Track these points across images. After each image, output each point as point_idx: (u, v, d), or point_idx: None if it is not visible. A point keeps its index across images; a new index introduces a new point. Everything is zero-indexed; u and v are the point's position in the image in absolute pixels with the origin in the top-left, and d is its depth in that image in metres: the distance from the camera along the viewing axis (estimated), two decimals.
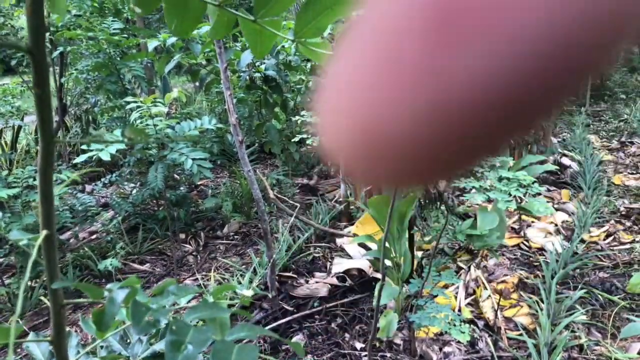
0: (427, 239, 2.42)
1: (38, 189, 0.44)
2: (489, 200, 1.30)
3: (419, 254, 2.77)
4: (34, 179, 2.77)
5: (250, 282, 2.84)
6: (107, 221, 3.45)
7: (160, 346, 1.20)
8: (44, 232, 0.41)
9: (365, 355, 2.27)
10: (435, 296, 2.48)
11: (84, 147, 2.54)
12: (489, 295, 2.68)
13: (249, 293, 2.06)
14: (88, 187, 4.24)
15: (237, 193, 4.19)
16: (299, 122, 3.42)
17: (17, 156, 4.02)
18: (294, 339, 2.45)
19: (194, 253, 3.49)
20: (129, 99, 2.74)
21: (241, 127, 4.11)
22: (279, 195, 3.71)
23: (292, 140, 4.41)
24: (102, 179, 3.59)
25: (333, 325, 2.54)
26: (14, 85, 5.22)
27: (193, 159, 2.74)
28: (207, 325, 0.53)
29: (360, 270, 2.98)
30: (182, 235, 3.70)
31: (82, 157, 2.40)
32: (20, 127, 4.14)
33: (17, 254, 2.69)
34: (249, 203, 4.05)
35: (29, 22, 0.35)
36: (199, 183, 4.95)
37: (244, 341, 2.35)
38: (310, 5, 0.42)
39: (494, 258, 3.09)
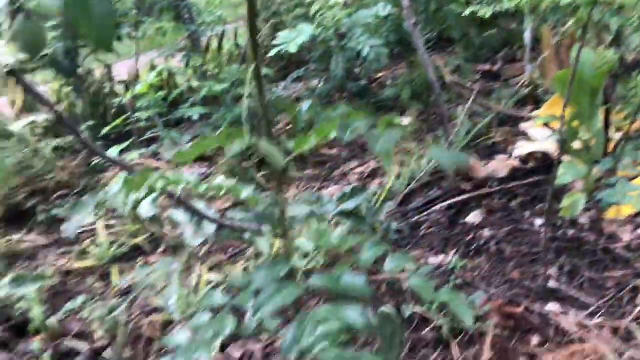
0: (623, 114, 2.19)
1: (251, 83, 0.60)
2: None
3: (615, 135, 2.52)
4: (239, 72, 3.21)
5: (428, 164, 2.97)
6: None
7: (347, 205, 1.42)
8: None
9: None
10: (632, 178, 2.28)
11: (273, 42, 2.84)
12: None
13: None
14: (281, 84, 4.71)
15: (415, 82, 4.22)
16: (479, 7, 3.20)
17: (225, 57, 4.65)
18: (470, 215, 2.55)
19: None
20: None
21: (417, 14, 4.01)
22: (457, 81, 3.64)
23: (473, 23, 4.17)
24: (291, 75, 3.96)
25: (512, 203, 2.56)
26: None
27: (370, 46, 2.85)
28: None
29: (544, 153, 2.85)
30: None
31: (274, 51, 2.70)
32: (223, 33, 4.72)
33: None
34: (426, 91, 4.06)
35: None
36: (377, 76, 5.09)
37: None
38: None
39: None
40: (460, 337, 1.80)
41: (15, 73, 0.86)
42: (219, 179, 0.87)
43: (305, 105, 0.68)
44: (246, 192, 0.85)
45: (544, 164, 2.81)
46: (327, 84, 3.96)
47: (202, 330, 0.69)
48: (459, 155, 0.57)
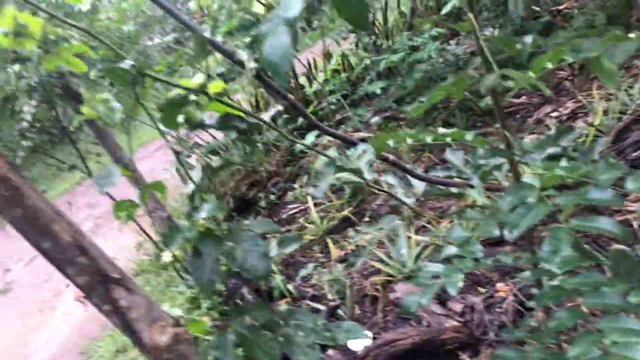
0: None
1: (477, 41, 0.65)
2: None
3: None
4: (410, 40, 3.24)
5: None
6: (479, 64, 3.71)
7: (554, 148, 1.36)
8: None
9: None
10: None
11: None
12: None
13: None
14: (452, 41, 4.58)
15: (609, 3, 3.70)
16: None
17: (391, 29, 4.72)
18: None
19: (569, 78, 3.39)
20: None
21: None
22: None
23: None
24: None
25: None
26: None
27: None
28: None
29: None
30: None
31: (447, 7, 2.66)
32: (386, 5, 4.78)
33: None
34: (627, 9, 3.54)
35: None
36: (561, 7, 4.59)
37: None
38: None
39: None
40: None
41: (260, 75, 1.06)
42: (441, 129, 0.95)
43: (528, 39, 0.71)
44: (470, 135, 0.91)
45: None
46: (504, 30, 3.72)
47: (450, 264, 0.78)
48: None
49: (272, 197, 3.80)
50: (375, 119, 4.22)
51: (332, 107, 3.77)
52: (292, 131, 4.02)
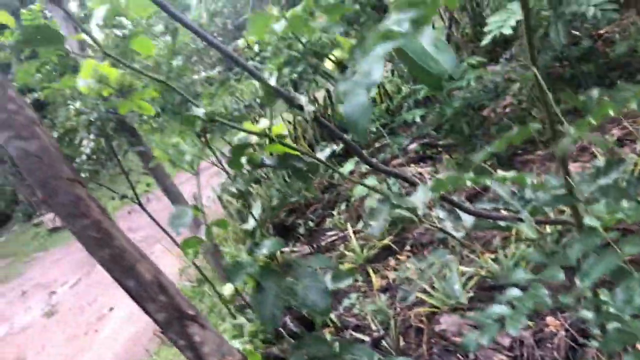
0: None
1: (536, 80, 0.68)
2: None
3: None
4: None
5: None
6: (517, 91, 3.70)
7: (605, 180, 1.35)
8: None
9: None
10: None
11: (485, 29, 2.82)
12: None
13: None
14: (490, 68, 4.58)
15: None
16: None
17: None
18: None
19: None
20: None
21: None
22: None
23: None
24: (503, 56, 3.83)
25: None
26: None
27: (594, 5, 2.61)
28: None
29: None
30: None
31: (488, 38, 2.69)
32: None
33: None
34: None
35: None
36: (602, 32, 4.54)
37: None
38: None
39: None
40: None
41: (317, 117, 1.11)
42: (500, 172, 0.97)
43: (594, 92, 0.73)
44: (530, 178, 0.93)
45: None
46: (543, 56, 3.71)
47: (516, 302, 0.80)
48: None
49: (311, 223, 3.84)
50: (413, 146, 4.24)
51: (372, 135, 3.81)
52: (329, 159, 4.07)
